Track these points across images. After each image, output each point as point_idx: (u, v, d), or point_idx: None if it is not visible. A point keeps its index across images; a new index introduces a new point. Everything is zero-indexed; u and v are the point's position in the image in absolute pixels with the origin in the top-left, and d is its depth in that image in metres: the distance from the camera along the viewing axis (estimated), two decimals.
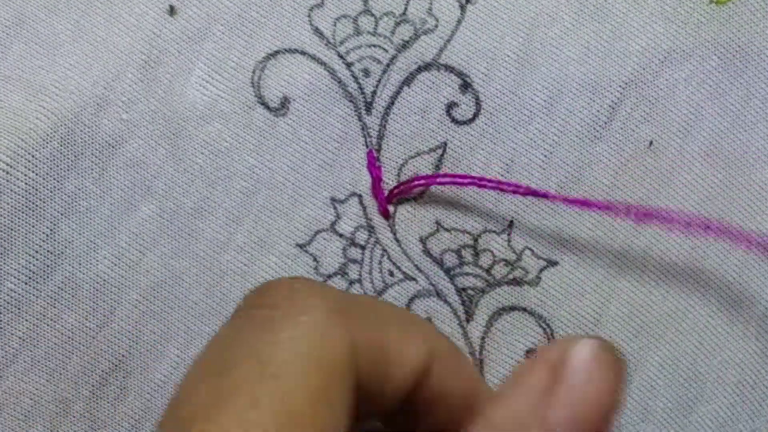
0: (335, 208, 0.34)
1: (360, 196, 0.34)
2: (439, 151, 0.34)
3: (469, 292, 0.34)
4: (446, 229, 0.34)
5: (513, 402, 0.22)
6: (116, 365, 0.33)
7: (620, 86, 0.35)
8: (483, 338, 0.34)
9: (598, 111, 0.35)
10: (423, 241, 0.34)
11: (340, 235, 0.34)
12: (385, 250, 0.34)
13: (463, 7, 0.34)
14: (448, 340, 0.28)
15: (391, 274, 0.34)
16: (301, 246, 0.34)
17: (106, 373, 0.33)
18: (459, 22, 0.34)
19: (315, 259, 0.34)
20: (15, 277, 0.32)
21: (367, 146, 0.34)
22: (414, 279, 0.34)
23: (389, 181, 0.34)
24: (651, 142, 0.35)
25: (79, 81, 0.33)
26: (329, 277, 0.34)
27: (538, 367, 0.22)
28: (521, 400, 0.22)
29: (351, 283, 0.34)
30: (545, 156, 0.34)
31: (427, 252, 0.34)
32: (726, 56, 0.35)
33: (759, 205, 0.36)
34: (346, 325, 0.24)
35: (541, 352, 0.23)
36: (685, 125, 0.35)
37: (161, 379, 0.34)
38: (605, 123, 0.35)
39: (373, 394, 0.25)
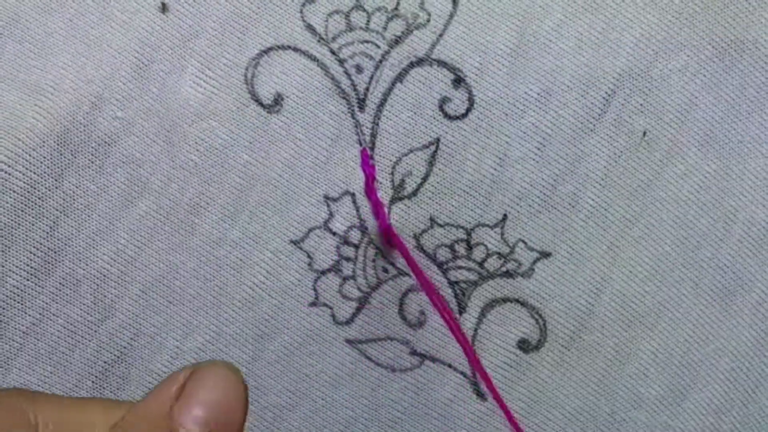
0: (328, 206, 0.35)
1: (353, 195, 0.35)
2: (433, 148, 0.35)
3: (462, 285, 0.35)
4: (440, 225, 0.35)
5: (147, 406, 0.26)
6: (118, 357, 0.35)
7: (614, 78, 0.35)
8: (476, 329, 0.36)
9: (592, 103, 0.35)
10: (417, 237, 0.35)
11: (334, 233, 0.35)
12: (378, 249, 0.35)
13: (455, 2, 0.34)
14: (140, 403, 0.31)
15: (385, 270, 0.35)
16: (295, 242, 0.35)
17: (108, 364, 0.35)
18: (451, 16, 0.35)
19: (309, 256, 0.35)
20: (17, 274, 0.34)
21: (360, 144, 0.35)
22: (407, 274, 0.35)
23: (383, 180, 0.35)
24: (645, 133, 0.36)
25: (73, 80, 0.34)
26: (323, 273, 0.35)
27: (173, 378, 0.27)
28: (154, 404, 0.26)
29: (345, 279, 0.35)
30: (538, 149, 0.35)
31: (420, 248, 0.35)
32: (720, 46, 0.36)
33: (753, 195, 0.36)
34: (28, 405, 0.27)
35: (176, 372, 0.27)
36: (679, 115, 0.36)
37: (161, 369, 0.35)
38: (599, 115, 0.35)
39: None
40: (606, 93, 0.35)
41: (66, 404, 0.28)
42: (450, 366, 0.36)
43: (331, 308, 0.35)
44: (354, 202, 0.35)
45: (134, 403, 0.29)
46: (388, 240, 0.34)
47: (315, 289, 0.35)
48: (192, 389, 0.27)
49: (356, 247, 0.35)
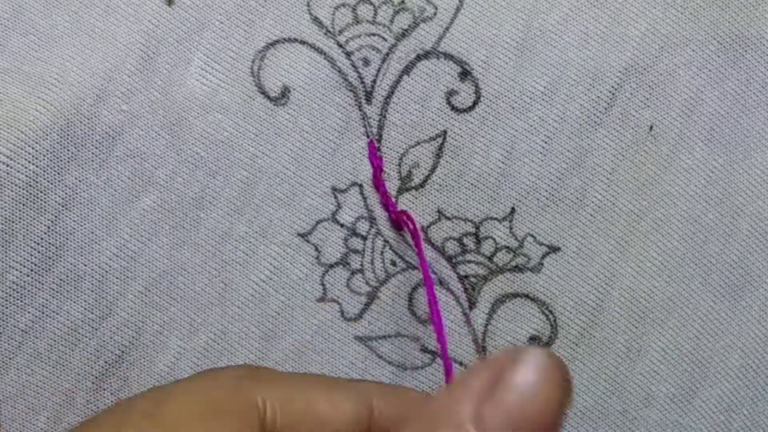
0: (336, 197, 0.35)
1: (361, 185, 0.35)
2: (440, 140, 0.35)
3: (472, 279, 0.35)
4: (448, 218, 0.35)
5: (453, 398, 0.22)
6: (119, 356, 0.34)
7: (620, 72, 0.35)
8: (486, 325, 0.35)
9: (598, 97, 0.35)
10: (425, 230, 0.35)
11: (341, 225, 0.35)
12: (386, 241, 0.35)
13: None
14: (383, 384, 0.31)
15: (393, 263, 0.35)
16: (302, 235, 0.35)
17: (109, 364, 0.34)
18: (458, 9, 0.35)
19: (316, 249, 0.35)
20: (17, 269, 0.33)
21: (367, 136, 0.35)
22: (416, 268, 0.35)
23: (390, 171, 0.35)
24: (651, 127, 0.36)
25: (78, 73, 0.33)
26: (331, 266, 0.35)
27: (483, 368, 0.22)
28: (461, 397, 0.22)
29: (353, 273, 0.35)
30: (545, 142, 0.35)
31: (428, 241, 0.35)
32: (725, 41, 0.36)
33: (760, 189, 0.36)
34: (253, 388, 0.27)
35: (488, 357, 0.23)
36: (685, 110, 0.36)
37: (164, 369, 0.35)
38: (605, 109, 0.35)
39: None
40: (612, 87, 0.35)
41: (293, 385, 0.28)
42: (461, 363, 0.35)
43: (339, 303, 0.35)
44: (361, 192, 0.34)
45: (359, 384, 0.28)
46: (398, 224, 0.34)
47: (323, 284, 0.35)
48: (503, 395, 0.22)
49: (364, 238, 0.35)
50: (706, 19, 0.36)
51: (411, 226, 0.33)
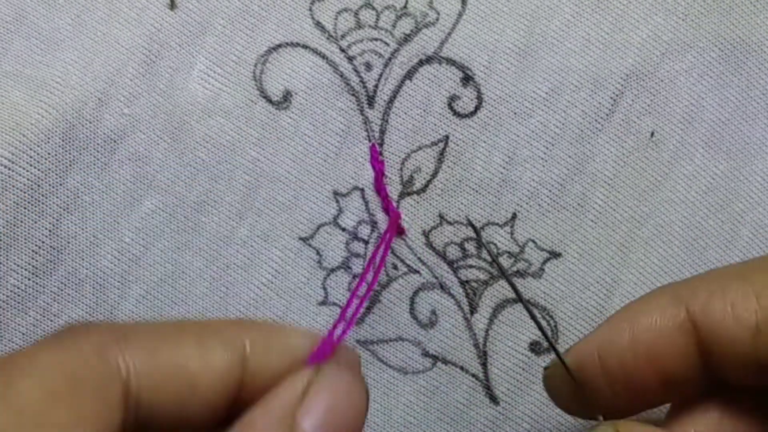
0: (338, 201, 0.35)
1: (362, 190, 0.35)
2: (441, 145, 0.35)
3: (473, 284, 0.36)
4: (449, 222, 0.35)
5: (271, 406, 0.26)
6: None
7: (621, 78, 0.36)
8: (487, 330, 0.36)
9: (600, 103, 0.36)
10: (426, 234, 0.35)
11: (343, 229, 0.35)
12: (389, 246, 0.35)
13: (464, 0, 0.35)
14: (259, 324, 0.30)
15: (395, 267, 0.35)
16: (304, 239, 0.35)
17: None
18: (460, 15, 0.35)
19: (318, 253, 0.35)
20: (18, 273, 0.33)
21: (369, 140, 0.35)
22: (418, 272, 0.35)
23: (391, 176, 0.35)
24: (652, 134, 0.36)
25: (80, 76, 0.34)
26: (332, 270, 0.35)
27: (295, 379, 0.27)
28: (278, 404, 0.26)
29: (354, 277, 0.35)
30: (547, 148, 0.36)
31: (430, 245, 0.35)
32: (726, 48, 0.36)
33: (760, 196, 0.37)
34: (116, 351, 0.26)
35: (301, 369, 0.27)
36: (686, 116, 0.36)
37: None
38: (606, 115, 0.36)
39: (180, 408, 0.27)
40: (614, 93, 0.36)
41: (159, 340, 0.27)
42: (462, 368, 0.35)
43: (341, 307, 0.35)
44: (363, 196, 0.35)
45: (226, 331, 0.28)
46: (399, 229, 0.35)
47: (324, 288, 0.35)
48: (317, 395, 0.27)
49: (366, 242, 0.35)
50: (708, 26, 0.36)
51: (387, 225, 0.33)
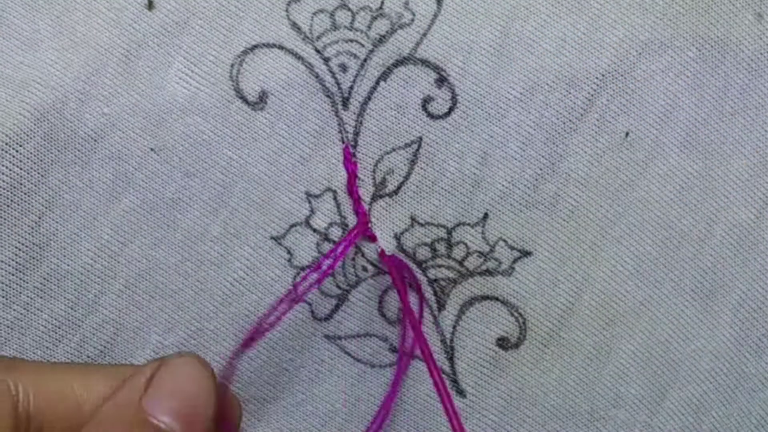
0: (310, 202, 0.38)
1: (335, 192, 0.38)
2: (415, 146, 0.38)
3: (441, 282, 0.39)
4: (421, 224, 0.38)
5: (118, 397, 0.31)
6: (101, 352, 0.38)
7: (597, 78, 0.38)
8: (454, 326, 0.39)
9: (574, 103, 0.38)
10: (397, 237, 0.38)
11: (314, 230, 0.38)
12: (358, 248, 0.38)
13: (439, 1, 0.37)
14: (137, 367, 0.34)
15: (365, 269, 0.38)
16: (275, 239, 0.38)
17: (92, 359, 0.38)
18: (435, 15, 0.38)
19: (289, 252, 0.38)
20: (2, 269, 0.37)
21: (343, 142, 0.38)
22: (386, 273, 0.38)
23: (364, 177, 0.38)
24: (627, 134, 0.39)
25: (60, 76, 0.37)
26: (302, 269, 0.38)
27: (141, 370, 0.32)
28: (124, 394, 0.31)
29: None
30: (520, 148, 0.38)
31: (400, 247, 0.38)
32: (704, 47, 0.39)
33: (735, 195, 0.39)
34: (6, 374, 0.31)
35: (144, 364, 0.32)
36: (662, 116, 0.39)
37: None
38: (581, 115, 0.38)
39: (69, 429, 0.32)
40: (589, 93, 0.38)
41: (45, 371, 0.32)
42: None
43: (310, 304, 0.38)
44: (335, 199, 0.38)
45: (109, 366, 0.33)
46: (369, 234, 0.38)
47: (294, 286, 0.38)
48: (161, 380, 0.31)
49: (337, 244, 0.38)
50: (685, 25, 0.38)
51: (395, 276, 0.37)
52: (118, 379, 0.33)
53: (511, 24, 0.38)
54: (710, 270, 0.40)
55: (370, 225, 0.38)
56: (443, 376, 0.39)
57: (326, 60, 0.37)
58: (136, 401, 0.31)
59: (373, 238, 0.38)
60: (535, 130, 0.38)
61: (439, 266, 0.38)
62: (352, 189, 0.37)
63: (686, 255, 0.39)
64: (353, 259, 0.38)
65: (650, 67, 0.38)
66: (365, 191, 0.38)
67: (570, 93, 0.38)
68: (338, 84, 0.37)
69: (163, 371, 0.32)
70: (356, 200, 0.38)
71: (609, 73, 0.38)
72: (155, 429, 0.31)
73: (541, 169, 0.38)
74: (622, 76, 0.38)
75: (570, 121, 0.38)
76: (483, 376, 0.39)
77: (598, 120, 0.38)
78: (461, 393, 0.39)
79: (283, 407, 0.39)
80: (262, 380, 0.39)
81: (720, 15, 0.39)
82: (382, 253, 0.38)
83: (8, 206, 0.36)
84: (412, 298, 0.38)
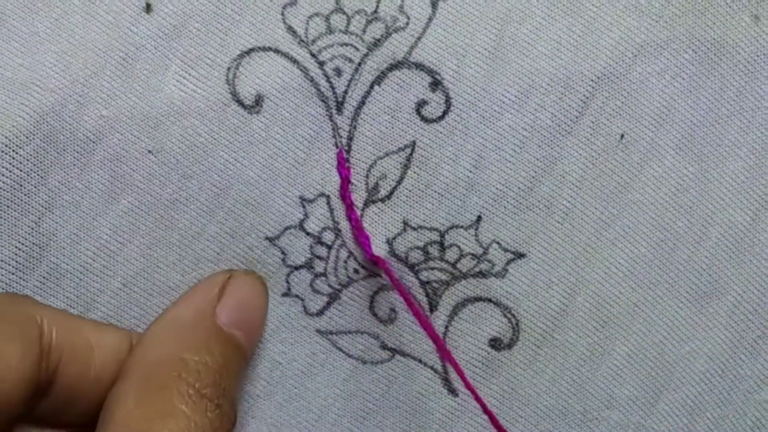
0: (304, 207, 0.39)
1: (328, 197, 0.39)
2: (408, 151, 0.38)
3: (434, 284, 0.39)
4: (413, 228, 0.39)
5: (194, 302, 0.36)
6: None
7: (592, 80, 0.39)
8: (447, 326, 0.40)
9: (569, 106, 0.39)
10: (390, 242, 0.39)
11: (308, 234, 0.39)
12: (351, 253, 0.39)
13: (434, 5, 0.38)
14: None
15: (356, 271, 0.39)
16: (270, 239, 0.39)
17: None
18: (430, 19, 0.38)
19: (282, 252, 0.39)
20: (2, 268, 0.38)
21: (337, 146, 0.39)
22: (378, 275, 0.39)
23: (357, 183, 0.39)
24: (622, 136, 0.39)
25: (59, 79, 0.37)
26: (296, 269, 0.39)
27: (214, 279, 0.37)
28: (199, 300, 0.36)
29: (316, 276, 0.39)
30: (515, 151, 0.39)
31: (392, 252, 0.39)
32: (700, 49, 0.39)
33: (731, 198, 0.40)
34: (32, 306, 0.35)
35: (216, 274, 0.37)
36: (657, 118, 0.39)
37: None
38: (576, 117, 0.39)
39: (81, 370, 0.35)
40: (584, 96, 0.39)
41: (64, 315, 0.35)
42: (420, 361, 0.40)
43: (302, 300, 0.39)
44: (329, 204, 0.39)
45: (116, 326, 0.37)
46: (361, 240, 0.38)
47: (288, 282, 0.39)
48: (232, 291, 0.36)
49: (329, 247, 0.39)
50: (681, 27, 0.39)
51: (390, 277, 0.38)
52: (127, 337, 0.36)
53: (506, 27, 0.38)
54: (705, 272, 0.40)
55: (364, 230, 0.39)
56: (435, 374, 0.40)
57: (321, 64, 0.38)
58: (211, 310, 0.35)
59: (366, 244, 0.39)
60: (529, 132, 0.39)
61: (432, 269, 0.39)
62: (345, 194, 0.38)
63: (681, 257, 0.40)
64: (345, 262, 0.39)
65: (646, 69, 0.39)
66: (358, 196, 0.39)
67: (565, 96, 0.39)
68: (333, 88, 0.38)
69: (233, 283, 0.37)
70: (349, 206, 0.38)
71: (604, 75, 0.39)
72: (226, 339, 0.35)
73: (535, 172, 0.39)
74: (617, 78, 0.39)
75: (565, 123, 0.39)
76: (475, 376, 0.40)
77: (593, 122, 0.39)
78: (453, 392, 0.40)
79: (277, 402, 0.40)
80: (255, 375, 0.40)
81: (716, 17, 0.39)
82: (374, 258, 0.38)
83: (8, 207, 0.37)
84: (402, 300, 0.39)
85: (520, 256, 0.39)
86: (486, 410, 0.37)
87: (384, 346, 0.40)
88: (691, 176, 0.39)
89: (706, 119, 0.39)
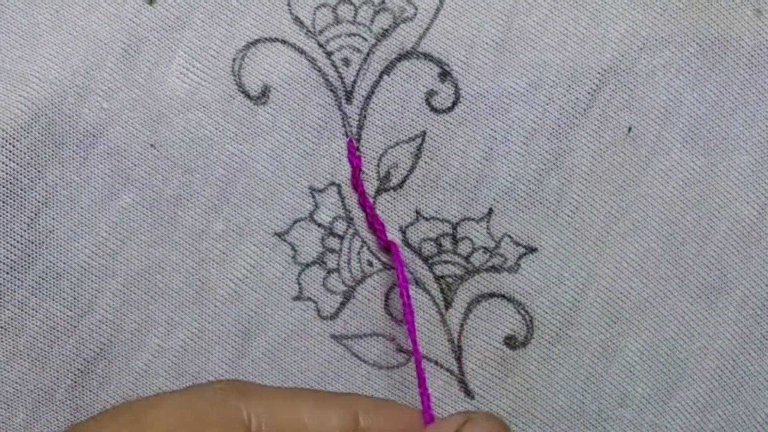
0: (314, 197, 0.38)
1: (339, 185, 0.38)
2: (419, 140, 0.38)
3: (448, 279, 0.39)
4: (426, 219, 0.38)
5: None
6: (98, 354, 0.37)
7: (599, 73, 0.39)
8: (462, 325, 0.39)
9: (577, 98, 0.39)
10: (403, 230, 0.38)
11: (319, 225, 0.38)
12: (364, 242, 0.38)
13: None
14: (370, 398, 0.35)
15: (370, 264, 0.38)
16: (279, 235, 0.38)
17: (88, 361, 0.37)
18: (438, 10, 0.38)
19: (293, 248, 0.38)
20: None
21: (346, 135, 0.38)
22: (393, 268, 0.38)
23: (368, 171, 0.38)
24: (630, 129, 0.39)
25: (59, 71, 0.36)
26: (307, 266, 0.38)
27: (447, 423, 0.32)
28: None
29: (329, 272, 0.38)
30: (524, 143, 0.39)
31: (406, 242, 0.38)
32: (705, 43, 0.39)
33: (738, 191, 0.40)
34: (239, 401, 0.30)
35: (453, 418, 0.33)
36: (663, 111, 0.39)
37: (142, 367, 0.38)
38: (584, 110, 0.39)
39: None
40: (591, 88, 0.39)
41: (277, 397, 0.31)
42: (437, 363, 0.39)
43: (315, 302, 0.38)
44: (339, 192, 0.38)
45: (343, 396, 0.32)
46: (374, 226, 0.38)
47: (299, 283, 0.38)
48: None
49: (341, 238, 0.38)
50: (686, 21, 0.39)
51: (395, 258, 0.37)
52: (353, 410, 0.32)
53: (514, 19, 0.38)
54: (714, 266, 0.40)
55: (378, 216, 0.38)
56: (452, 377, 0.39)
57: (329, 54, 0.38)
58: None
59: (382, 231, 0.38)
60: (538, 125, 0.39)
61: (445, 262, 0.38)
62: (357, 182, 0.38)
63: (690, 251, 0.40)
64: (358, 253, 0.38)
65: (651, 62, 0.39)
66: (369, 185, 0.38)
67: (573, 88, 0.39)
68: (341, 78, 0.38)
69: (470, 428, 0.32)
70: (362, 194, 0.38)
71: (611, 68, 0.39)
72: None
73: (545, 165, 0.39)
74: (624, 71, 0.39)
75: (573, 116, 0.39)
76: (491, 376, 0.39)
77: (600, 115, 0.39)
78: (469, 394, 0.39)
79: None
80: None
81: (720, 11, 0.39)
82: (387, 243, 0.38)
83: (4, 202, 0.36)
84: (420, 296, 0.38)
85: (532, 250, 0.39)
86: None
87: (400, 349, 0.39)
88: (698, 170, 0.40)
89: (711, 113, 0.39)
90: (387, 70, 0.38)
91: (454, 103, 0.38)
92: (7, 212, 0.36)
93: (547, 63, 0.38)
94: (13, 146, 0.36)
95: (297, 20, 0.37)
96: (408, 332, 0.36)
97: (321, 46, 0.37)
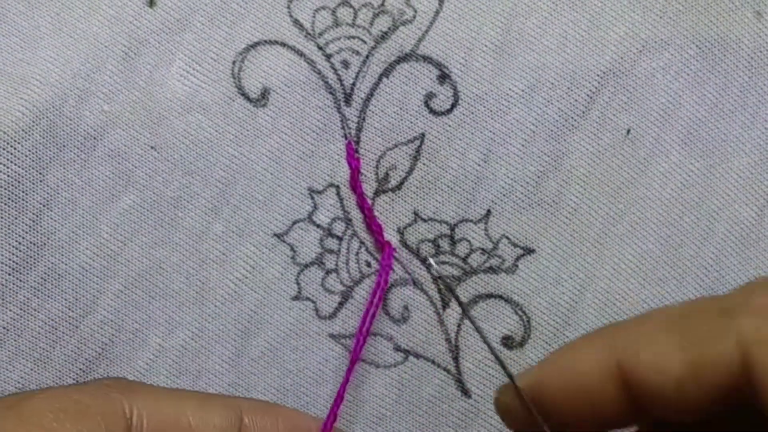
0: (313, 198, 0.38)
1: (338, 187, 0.38)
2: (417, 142, 0.38)
3: (445, 280, 0.39)
4: (424, 220, 0.39)
5: None
6: (99, 354, 0.38)
7: (598, 75, 0.39)
8: (459, 325, 0.39)
9: (576, 100, 0.39)
10: (401, 231, 0.39)
11: (317, 226, 0.38)
12: (362, 243, 0.39)
13: None
14: (256, 400, 0.35)
15: (368, 264, 0.39)
16: (278, 236, 0.38)
17: (90, 361, 0.38)
18: (437, 12, 0.38)
19: (292, 249, 0.38)
20: None
21: (345, 138, 0.38)
22: (391, 269, 0.39)
23: (367, 173, 0.39)
24: (628, 131, 0.39)
25: (60, 73, 0.37)
26: (306, 266, 0.39)
27: None
28: None
29: (327, 272, 0.39)
30: (522, 145, 0.39)
31: (404, 243, 0.39)
32: (704, 45, 0.39)
33: (736, 193, 0.40)
34: (121, 395, 0.31)
35: None
36: (662, 114, 0.40)
37: (143, 367, 0.38)
38: (583, 112, 0.39)
39: None
40: (590, 90, 0.39)
41: (162, 396, 0.32)
42: (434, 362, 0.39)
43: (314, 302, 0.39)
44: (338, 194, 0.38)
45: (227, 398, 0.33)
46: (372, 228, 0.38)
47: (298, 283, 0.38)
48: None
49: (340, 239, 0.38)
50: (685, 23, 0.39)
51: (382, 259, 0.37)
52: (236, 410, 0.32)
53: (513, 21, 0.39)
54: (713, 268, 0.40)
55: (376, 218, 0.38)
56: (449, 376, 0.39)
57: (328, 57, 0.38)
58: None
59: (379, 233, 0.38)
60: (537, 127, 0.39)
61: (443, 263, 0.39)
62: (355, 184, 0.38)
63: (688, 253, 0.40)
64: (357, 254, 0.39)
65: (651, 64, 0.39)
66: (368, 186, 0.38)
67: (572, 90, 0.39)
68: (340, 80, 0.38)
69: None
70: (360, 195, 0.38)
71: (610, 70, 0.39)
72: None
73: (543, 167, 0.39)
74: (623, 73, 0.39)
75: (572, 118, 0.39)
76: (488, 376, 0.39)
77: (599, 117, 0.39)
78: (466, 394, 0.39)
79: None
80: (266, 384, 0.39)
81: (719, 13, 0.40)
82: (383, 243, 0.38)
83: (6, 204, 0.36)
84: (418, 296, 0.39)
85: (530, 251, 0.39)
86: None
87: (397, 348, 0.39)
88: (697, 172, 0.40)
89: (710, 115, 0.40)
90: (386, 72, 0.38)
91: (453, 105, 0.38)
92: (9, 214, 0.37)
93: (546, 65, 0.39)
94: (15, 149, 0.36)
95: (296, 23, 0.38)
96: (356, 338, 0.37)
97: (320, 48, 0.38)
